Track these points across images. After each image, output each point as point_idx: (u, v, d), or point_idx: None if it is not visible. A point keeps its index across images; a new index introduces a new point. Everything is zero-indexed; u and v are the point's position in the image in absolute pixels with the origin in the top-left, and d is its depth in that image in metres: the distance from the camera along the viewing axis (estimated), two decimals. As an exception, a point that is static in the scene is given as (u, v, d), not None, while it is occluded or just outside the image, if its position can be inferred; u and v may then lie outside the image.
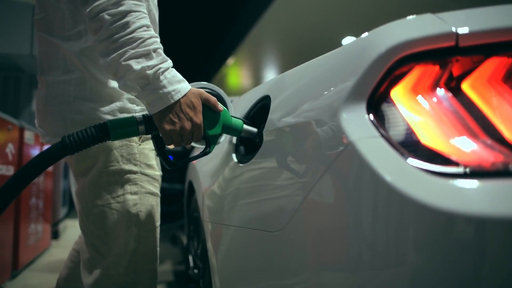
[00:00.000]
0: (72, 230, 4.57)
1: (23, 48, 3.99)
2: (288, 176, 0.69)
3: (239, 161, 0.90)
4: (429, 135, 0.54)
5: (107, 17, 0.80)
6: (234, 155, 0.94)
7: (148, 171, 1.03)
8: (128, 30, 0.80)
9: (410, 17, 0.60)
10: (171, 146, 0.90)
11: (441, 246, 0.45)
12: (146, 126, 0.83)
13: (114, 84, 0.97)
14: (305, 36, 6.80)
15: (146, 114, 0.84)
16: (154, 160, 1.05)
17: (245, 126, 0.88)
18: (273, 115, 0.81)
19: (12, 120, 2.69)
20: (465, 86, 0.56)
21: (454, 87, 0.56)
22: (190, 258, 1.58)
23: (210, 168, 1.14)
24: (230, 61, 8.62)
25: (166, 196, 2.63)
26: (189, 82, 0.89)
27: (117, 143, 0.98)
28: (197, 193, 1.31)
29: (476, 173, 0.48)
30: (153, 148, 1.01)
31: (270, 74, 9.40)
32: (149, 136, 1.01)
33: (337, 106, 0.59)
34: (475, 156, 0.50)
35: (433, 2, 4.99)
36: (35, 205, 3.19)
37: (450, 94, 0.56)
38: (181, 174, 2.25)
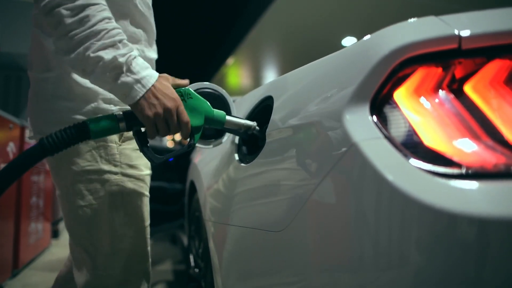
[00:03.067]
0: (72, 229, 4.56)
1: (24, 47, 4.00)
2: (291, 176, 0.69)
3: (242, 161, 0.90)
4: (432, 137, 0.54)
5: (64, 12, 0.77)
6: (236, 155, 0.94)
7: (131, 171, 1.01)
8: (89, 23, 0.78)
9: (413, 19, 0.60)
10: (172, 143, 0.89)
11: (443, 246, 0.46)
12: (127, 122, 0.81)
13: (90, 84, 0.93)
14: (304, 36, 6.80)
15: (126, 110, 0.83)
16: (138, 160, 1.03)
17: (229, 118, 0.87)
18: (276, 116, 0.81)
19: (13, 119, 2.69)
20: (468, 88, 0.57)
21: (456, 89, 0.57)
22: (191, 257, 1.58)
23: (212, 168, 1.14)
24: (230, 61, 8.62)
25: (167, 196, 2.64)
26: (191, 82, 0.90)
27: (93, 143, 0.97)
28: (198, 193, 1.31)
29: (477, 174, 0.49)
30: (136, 148, 1.01)
31: (269, 74, 9.40)
32: (130, 135, 1.00)
33: (341, 107, 0.59)
34: (477, 158, 0.51)
35: (433, 4, 5.00)
36: (36, 204, 3.19)
37: (452, 96, 0.57)
38: (182, 174, 2.26)
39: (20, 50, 4.03)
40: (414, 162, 0.51)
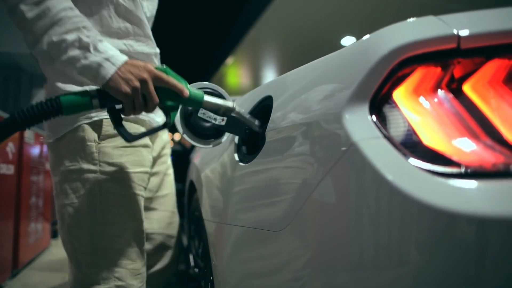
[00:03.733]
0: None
1: (24, 47, 3.98)
2: (290, 175, 0.69)
3: (241, 161, 0.90)
4: (431, 136, 0.54)
5: (24, 7, 0.79)
6: (236, 155, 0.94)
7: (111, 169, 1.00)
8: (50, 13, 0.79)
9: (412, 19, 0.60)
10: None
11: (442, 246, 0.46)
12: (100, 99, 0.79)
13: (68, 88, 0.96)
14: (304, 36, 6.80)
15: (100, 88, 0.81)
16: (123, 157, 1.02)
17: (207, 98, 0.85)
18: (275, 116, 0.81)
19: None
20: (466, 88, 0.57)
21: (455, 89, 0.57)
22: (191, 257, 1.59)
23: (211, 167, 1.14)
24: (229, 60, 8.61)
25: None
26: (190, 82, 0.90)
27: (76, 144, 0.98)
28: (198, 192, 1.31)
29: (477, 173, 0.49)
30: (119, 145, 1.01)
31: (269, 74, 9.40)
32: (111, 133, 1.00)
33: (340, 107, 0.60)
34: (476, 157, 0.51)
35: (432, 3, 5.00)
36: (35, 204, 3.19)
37: (451, 96, 0.57)
38: (182, 174, 2.26)
39: (20, 50, 4.03)
40: (414, 161, 0.51)
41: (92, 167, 0.98)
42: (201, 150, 1.52)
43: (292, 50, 7.66)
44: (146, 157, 1.09)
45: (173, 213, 1.34)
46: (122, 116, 0.84)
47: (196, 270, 1.45)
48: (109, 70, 0.78)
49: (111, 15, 0.99)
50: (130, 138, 0.83)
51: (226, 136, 0.97)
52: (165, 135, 1.32)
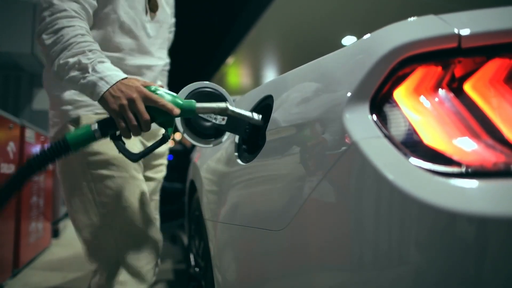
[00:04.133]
0: (72, 228, 4.56)
1: (24, 47, 3.99)
2: (291, 175, 0.69)
3: (242, 160, 0.90)
4: (432, 135, 0.54)
5: (45, 36, 0.96)
6: (236, 154, 0.94)
7: (94, 158, 1.09)
8: (63, 40, 0.94)
9: (413, 18, 0.60)
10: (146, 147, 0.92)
11: (442, 245, 0.46)
12: (101, 129, 0.88)
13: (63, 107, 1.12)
14: (304, 35, 6.80)
15: (99, 119, 0.90)
16: (103, 145, 1.09)
17: (199, 104, 0.89)
18: (276, 115, 0.81)
19: (13, 118, 2.69)
20: (467, 87, 0.57)
21: (456, 88, 0.57)
22: (192, 256, 1.59)
23: (212, 167, 1.14)
24: (230, 60, 8.62)
25: (167, 195, 2.64)
26: (190, 82, 0.90)
27: None
28: (198, 192, 1.32)
29: (477, 173, 0.49)
30: None
31: (269, 73, 9.40)
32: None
33: (341, 106, 0.59)
34: (476, 156, 0.51)
35: (432, 3, 5.00)
36: (36, 204, 3.19)
37: (452, 95, 0.57)
38: (182, 173, 2.26)
39: (20, 50, 4.03)
40: (414, 161, 0.51)
41: (79, 158, 1.09)
42: (201, 149, 1.52)
43: (292, 50, 7.67)
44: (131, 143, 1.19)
45: (155, 219, 1.41)
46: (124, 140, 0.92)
47: (197, 269, 1.45)
48: (103, 88, 0.89)
49: (115, 31, 1.14)
50: (134, 158, 0.90)
51: (227, 136, 0.97)
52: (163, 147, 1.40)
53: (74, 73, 0.92)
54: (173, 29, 1.43)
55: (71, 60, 0.92)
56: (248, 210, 0.82)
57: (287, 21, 6.35)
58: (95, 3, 1.07)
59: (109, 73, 0.91)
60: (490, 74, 0.56)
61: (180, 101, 0.89)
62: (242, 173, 0.88)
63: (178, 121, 0.92)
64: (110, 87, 0.89)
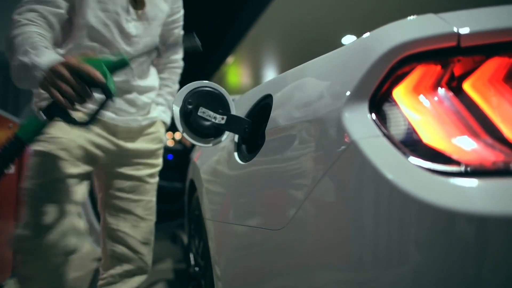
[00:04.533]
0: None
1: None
2: (290, 174, 0.69)
3: (241, 160, 0.90)
4: (431, 134, 0.54)
5: (8, 51, 1.06)
6: (236, 154, 0.94)
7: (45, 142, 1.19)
8: (13, 47, 1.04)
9: (412, 17, 0.60)
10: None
11: (442, 244, 0.46)
12: (45, 112, 0.93)
13: None
14: (304, 34, 6.80)
15: (42, 107, 0.96)
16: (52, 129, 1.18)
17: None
18: (275, 114, 0.81)
19: (12, 118, 2.69)
20: (466, 86, 0.56)
21: (455, 87, 0.57)
22: (191, 256, 1.59)
23: (211, 166, 1.14)
24: (230, 59, 8.61)
25: (167, 195, 2.64)
26: (190, 81, 0.90)
27: None
28: (198, 191, 1.32)
29: (477, 172, 0.48)
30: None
31: (269, 73, 9.40)
32: None
33: (340, 105, 0.59)
34: (476, 155, 0.51)
35: (433, 1, 4.99)
36: (36, 204, 3.18)
37: (451, 94, 0.57)
38: (182, 173, 2.26)
39: (19, 50, 4.02)
40: (413, 160, 0.51)
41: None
42: (201, 149, 1.52)
43: (292, 49, 7.67)
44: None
45: (141, 219, 1.43)
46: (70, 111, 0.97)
47: (197, 269, 1.45)
48: (40, 76, 0.96)
49: (84, 36, 1.22)
50: (84, 124, 0.97)
51: (226, 135, 0.97)
52: (152, 145, 1.45)
53: (18, 72, 1.00)
54: (178, 24, 1.47)
55: (13, 63, 1.01)
56: (247, 209, 0.82)
57: (287, 21, 6.34)
58: (59, 10, 1.15)
59: (46, 62, 0.96)
60: (489, 73, 0.56)
61: (109, 59, 0.98)
62: (242, 172, 0.88)
63: (177, 120, 0.92)
64: (45, 73, 0.95)
